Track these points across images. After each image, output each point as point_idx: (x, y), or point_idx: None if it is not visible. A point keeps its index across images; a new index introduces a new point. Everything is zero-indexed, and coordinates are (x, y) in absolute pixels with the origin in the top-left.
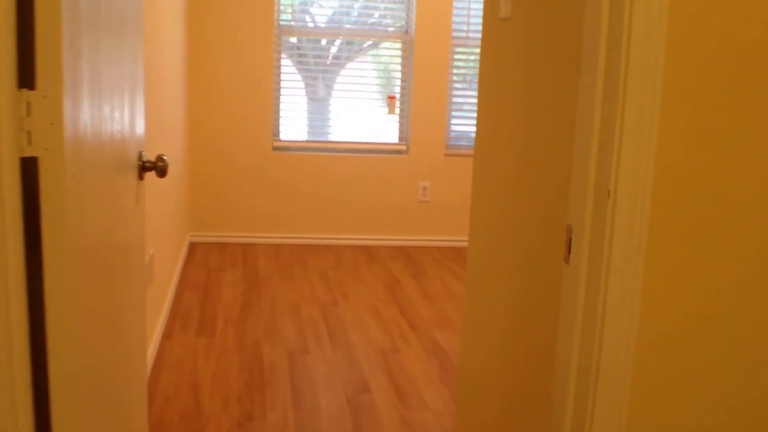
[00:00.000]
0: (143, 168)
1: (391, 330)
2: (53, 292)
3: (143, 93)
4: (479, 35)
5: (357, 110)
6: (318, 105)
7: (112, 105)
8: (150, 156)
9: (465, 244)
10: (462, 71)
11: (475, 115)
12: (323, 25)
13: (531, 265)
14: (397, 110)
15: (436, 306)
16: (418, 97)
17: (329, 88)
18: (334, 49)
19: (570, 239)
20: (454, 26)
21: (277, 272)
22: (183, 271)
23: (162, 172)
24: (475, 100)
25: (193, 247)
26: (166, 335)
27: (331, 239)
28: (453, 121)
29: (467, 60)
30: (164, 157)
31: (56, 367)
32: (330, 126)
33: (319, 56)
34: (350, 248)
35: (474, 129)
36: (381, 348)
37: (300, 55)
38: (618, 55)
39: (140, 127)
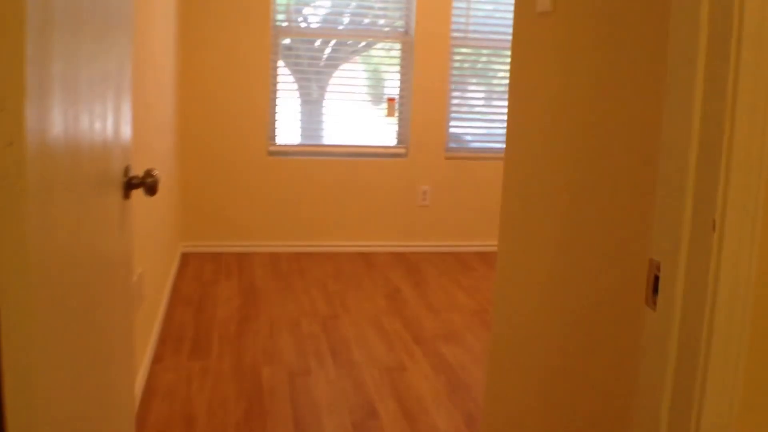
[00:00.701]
0: (129, 185)
1: (395, 345)
2: (12, 330)
3: (130, 99)
4: (479, 35)
5: (355, 113)
6: (315, 108)
7: (93, 114)
8: (138, 170)
9: (465, 249)
10: (462, 72)
11: (475, 116)
12: (318, 26)
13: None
14: (397, 113)
15: (440, 318)
16: (417, 98)
17: (325, 90)
18: (328, 50)
19: (656, 278)
20: (453, 26)
21: (275, 284)
22: (175, 284)
23: (151, 189)
24: (474, 102)
25: (185, 258)
26: (157, 359)
27: (329, 246)
28: (452, 123)
29: (467, 61)
30: (154, 173)
31: (16, 415)
32: (327, 130)
33: (315, 58)
34: (348, 255)
35: (475, 131)
36: (386, 365)
37: (296, 56)
38: (724, 48)
39: (126, 138)
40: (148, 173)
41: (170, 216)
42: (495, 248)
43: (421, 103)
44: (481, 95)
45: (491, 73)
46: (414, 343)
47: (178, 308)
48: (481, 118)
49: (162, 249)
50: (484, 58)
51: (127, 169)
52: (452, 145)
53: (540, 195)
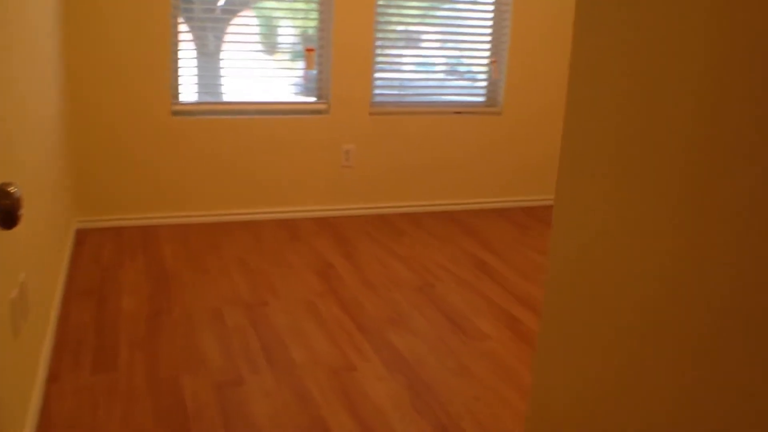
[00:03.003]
0: None
1: (337, 336)
2: None
3: None
4: None
5: (270, 66)
6: (224, 62)
7: None
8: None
9: (394, 210)
10: (387, 19)
11: (402, 68)
12: None
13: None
14: (316, 65)
15: (382, 297)
16: (338, 48)
17: (235, 42)
18: None
19: None
20: None
21: (188, 263)
22: (69, 272)
23: (7, 217)
24: (403, 53)
25: (81, 236)
26: (53, 377)
27: (246, 215)
28: (377, 75)
29: (392, 5)
30: (11, 190)
31: None
32: (239, 85)
33: (220, 6)
34: (268, 224)
35: (403, 83)
36: (332, 365)
37: (202, 2)
38: None
39: None
40: (2, 191)
41: (60, 188)
42: (425, 208)
43: (343, 53)
44: (410, 43)
45: (421, 20)
46: (359, 332)
47: (75, 303)
48: (410, 69)
49: (50, 230)
50: (413, 2)
51: None
52: (377, 100)
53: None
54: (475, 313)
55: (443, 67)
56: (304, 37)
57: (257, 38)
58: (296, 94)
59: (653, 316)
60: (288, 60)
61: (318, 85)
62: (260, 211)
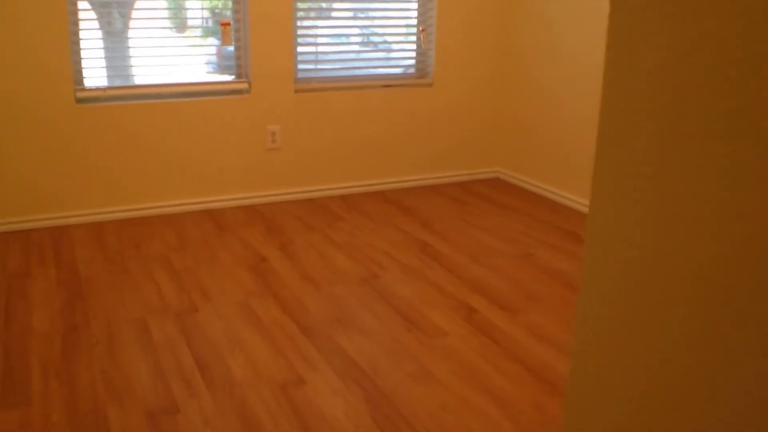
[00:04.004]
0: None
1: (280, 343)
2: None
3: None
4: None
5: (183, 44)
6: (133, 41)
7: None
8: None
9: (326, 193)
10: None
11: (328, 42)
12: None
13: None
14: (233, 41)
15: (324, 293)
16: (257, 23)
17: (144, 18)
18: None
19: None
20: None
21: (105, 267)
22: None
23: None
24: (328, 24)
25: None
26: None
27: (167, 207)
28: (300, 49)
29: None
30: None
31: None
32: (151, 67)
33: None
34: (192, 216)
35: (328, 57)
36: (278, 380)
37: None
38: None
39: None
40: None
41: None
42: (358, 189)
43: (262, 27)
44: (335, 14)
45: None
46: (303, 337)
47: None
48: (335, 42)
49: None
50: None
51: None
52: (302, 75)
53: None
54: (427, 305)
55: (370, 38)
56: (219, 10)
57: (167, 14)
58: (214, 73)
59: (702, 350)
60: (202, 36)
61: (237, 62)
62: (182, 202)
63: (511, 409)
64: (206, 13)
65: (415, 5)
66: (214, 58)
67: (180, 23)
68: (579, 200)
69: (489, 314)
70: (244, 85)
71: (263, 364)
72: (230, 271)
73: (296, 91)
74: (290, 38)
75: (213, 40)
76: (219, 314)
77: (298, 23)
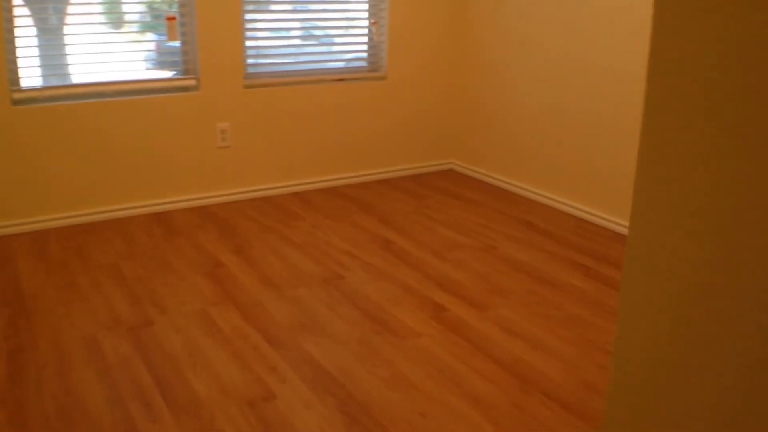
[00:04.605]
0: None
1: (244, 355)
2: None
3: None
4: None
5: (125, 39)
6: (70, 38)
7: None
8: None
9: (279, 191)
10: None
11: (279, 35)
12: None
13: None
14: (180, 36)
15: (287, 297)
16: (204, 16)
17: (81, 14)
18: None
19: None
20: None
21: (50, 279)
22: None
23: None
24: (278, 17)
25: None
26: None
27: (112, 211)
28: (250, 43)
29: None
30: None
31: None
32: (91, 64)
33: None
34: (140, 220)
35: (278, 51)
36: (245, 395)
37: None
38: None
39: None
40: None
41: None
42: (312, 185)
43: (209, 21)
44: (285, 7)
45: None
46: (269, 346)
47: None
48: (286, 35)
49: None
50: None
51: None
52: (252, 70)
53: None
54: (394, 304)
55: (322, 32)
56: (163, 3)
57: (104, 9)
58: (158, 69)
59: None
60: (140, 32)
61: (184, 58)
62: (129, 205)
63: (491, 411)
64: (144, 7)
65: None
66: (158, 54)
67: (118, 18)
68: (533, 189)
69: (458, 311)
70: (192, 82)
71: (228, 379)
72: (185, 279)
73: (246, 87)
74: (239, 32)
75: (154, 35)
76: (176, 327)
77: (247, 16)
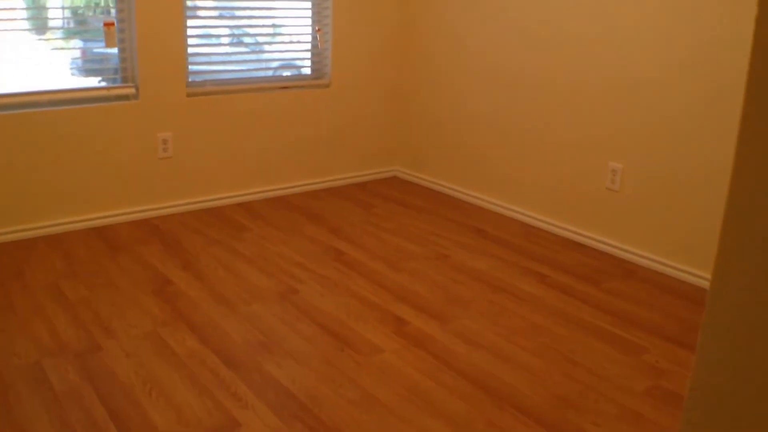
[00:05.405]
0: None
1: (203, 379)
2: None
3: None
4: None
5: (56, 46)
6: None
7: None
8: None
9: (225, 202)
10: None
11: (222, 42)
12: None
13: None
14: (118, 42)
15: (241, 314)
16: (144, 22)
17: (9, 21)
18: None
19: None
20: None
21: None
22: None
23: None
24: (221, 24)
25: None
26: None
27: (49, 227)
28: (192, 50)
29: None
30: None
31: None
32: (21, 73)
33: None
34: (80, 235)
35: (223, 58)
36: (207, 425)
37: None
38: None
39: None
40: None
41: None
42: (258, 195)
43: (149, 27)
44: (228, 13)
45: None
46: (227, 369)
47: None
48: (229, 42)
49: None
50: None
51: None
52: (194, 78)
53: None
54: (354, 319)
55: (266, 39)
56: (100, 8)
57: (35, 13)
58: (96, 77)
59: None
60: (79, 38)
61: (122, 65)
62: (67, 220)
63: (466, 430)
64: (79, 13)
65: (309, 4)
66: (93, 62)
67: (45, 24)
68: (480, 196)
69: (419, 324)
70: (131, 90)
71: (188, 408)
72: (132, 298)
73: (188, 95)
74: (181, 39)
75: (90, 42)
76: (127, 351)
77: (189, 23)
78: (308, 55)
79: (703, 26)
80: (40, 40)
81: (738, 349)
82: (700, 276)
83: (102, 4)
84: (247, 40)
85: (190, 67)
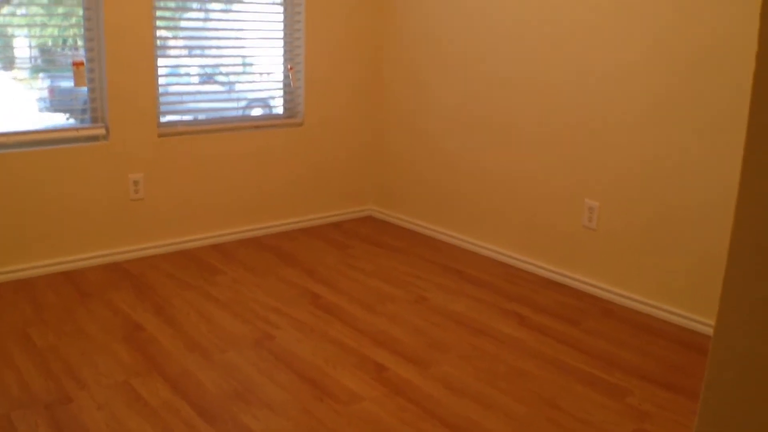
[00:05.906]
0: None
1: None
2: None
3: None
4: None
5: (26, 87)
6: None
7: None
8: None
9: (197, 244)
10: (171, 23)
11: (193, 82)
12: None
13: None
14: (88, 81)
15: (216, 362)
16: (114, 61)
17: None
18: None
19: None
20: None
21: None
22: None
23: None
24: (193, 63)
25: None
26: None
27: (16, 271)
28: (163, 90)
29: (174, 11)
30: None
31: None
32: None
33: None
34: (47, 280)
35: (194, 97)
36: None
37: None
38: None
39: None
40: None
41: None
42: (231, 237)
43: (120, 66)
44: (199, 52)
45: (207, 25)
46: (202, 421)
47: None
48: (201, 82)
49: None
50: (196, 5)
51: None
52: (166, 119)
53: None
54: (332, 365)
55: (238, 78)
56: (69, 47)
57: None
58: (65, 118)
59: None
60: (47, 77)
61: (92, 105)
62: (34, 264)
63: None
64: (51, 50)
65: (281, 41)
66: (62, 102)
67: (9, 62)
68: (456, 235)
69: (399, 370)
70: (101, 131)
71: None
72: (102, 346)
73: (160, 136)
74: (152, 78)
75: (58, 81)
76: (98, 403)
77: (160, 62)
78: (281, 93)
79: (680, 68)
80: (6, 77)
81: (742, 402)
82: (679, 314)
83: (69, 42)
84: (219, 78)
85: (161, 107)
